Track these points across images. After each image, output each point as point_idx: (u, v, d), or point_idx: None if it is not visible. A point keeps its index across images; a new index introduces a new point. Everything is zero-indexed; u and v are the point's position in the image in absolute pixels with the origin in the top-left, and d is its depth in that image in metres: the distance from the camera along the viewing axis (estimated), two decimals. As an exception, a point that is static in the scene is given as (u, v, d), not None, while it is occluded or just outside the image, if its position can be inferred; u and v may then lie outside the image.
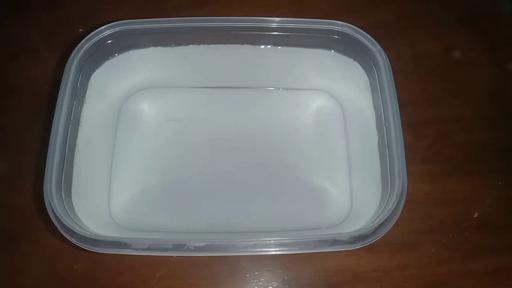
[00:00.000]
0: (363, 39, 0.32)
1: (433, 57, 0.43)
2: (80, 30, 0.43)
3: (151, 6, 0.46)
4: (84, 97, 0.33)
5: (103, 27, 0.33)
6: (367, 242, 0.28)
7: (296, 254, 0.35)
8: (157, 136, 0.38)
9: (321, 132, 0.38)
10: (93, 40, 0.32)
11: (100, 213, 0.35)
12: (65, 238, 0.28)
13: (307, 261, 0.36)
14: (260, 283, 0.35)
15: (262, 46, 0.35)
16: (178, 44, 0.35)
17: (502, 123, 0.41)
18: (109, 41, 0.33)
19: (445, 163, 0.39)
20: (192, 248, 0.27)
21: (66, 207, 0.29)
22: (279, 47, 0.35)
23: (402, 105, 0.31)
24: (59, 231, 0.28)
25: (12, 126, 0.40)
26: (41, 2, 0.45)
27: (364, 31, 0.33)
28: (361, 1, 0.46)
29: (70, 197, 0.30)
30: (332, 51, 0.35)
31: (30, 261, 0.36)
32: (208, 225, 0.35)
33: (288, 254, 0.35)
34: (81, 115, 0.33)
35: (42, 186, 0.29)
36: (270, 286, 0.35)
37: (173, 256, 0.35)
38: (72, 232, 0.28)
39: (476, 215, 0.37)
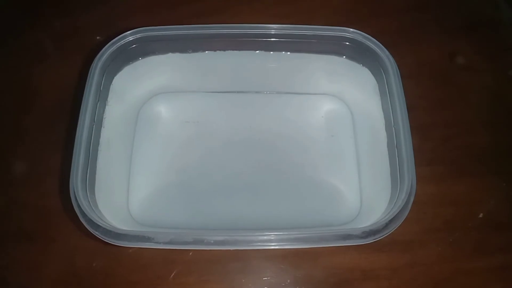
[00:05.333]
0: (373, 45, 0.34)
1: (436, 64, 0.45)
2: (98, 37, 0.45)
3: (164, 16, 0.47)
4: (107, 99, 0.35)
5: (127, 32, 0.34)
6: (378, 237, 0.29)
7: (307, 252, 0.37)
8: (173, 137, 0.40)
9: (332, 134, 0.40)
10: (116, 45, 0.34)
11: (119, 210, 0.36)
12: (87, 234, 0.29)
13: (318, 259, 0.37)
14: (272, 280, 0.36)
15: (275, 52, 0.37)
16: (195, 50, 0.37)
17: (504, 127, 0.42)
18: (131, 47, 0.35)
19: (450, 165, 0.40)
20: (212, 241, 0.28)
21: (90, 203, 0.30)
22: (292, 53, 0.37)
23: (408, 109, 0.32)
24: (80, 228, 0.29)
25: (34, 128, 0.41)
26: (56, 12, 0.47)
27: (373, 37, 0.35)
28: (366, 10, 0.48)
29: (94, 194, 0.31)
30: (344, 57, 0.37)
31: (50, 259, 0.37)
32: (223, 222, 0.37)
33: (299, 252, 0.37)
34: (104, 116, 0.34)
35: (66, 185, 0.30)
36: (283, 283, 0.36)
37: (189, 253, 0.36)
38: (97, 226, 0.29)
39: (481, 215, 0.38)
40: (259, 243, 0.29)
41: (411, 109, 0.33)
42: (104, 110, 0.34)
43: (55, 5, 0.48)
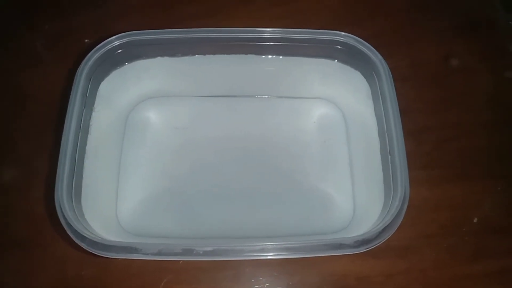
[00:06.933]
0: (365, 49, 0.33)
1: (431, 66, 0.44)
2: (87, 40, 0.44)
3: (155, 18, 0.47)
4: (93, 106, 0.34)
5: (112, 37, 0.33)
6: (371, 246, 0.29)
7: (300, 259, 0.36)
8: (163, 143, 0.39)
9: (324, 139, 0.39)
10: (102, 50, 0.33)
11: (108, 220, 0.35)
12: (74, 244, 0.28)
13: (311, 266, 0.36)
14: (265, 288, 0.36)
15: (267, 56, 0.36)
16: (184, 54, 0.36)
17: (499, 129, 0.41)
18: (117, 51, 0.34)
19: (444, 169, 0.40)
20: (201, 252, 0.28)
21: (76, 213, 0.29)
22: (284, 57, 0.36)
23: (402, 112, 0.32)
24: (68, 237, 0.28)
25: (21, 134, 0.41)
26: (46, 15, 0.46)
27: (365, 41, 0.34)
28: (361, 12, 0.47)
29: (80, 204, 0.31)
30: (336, 61, 0.36)
31: (39, 268, 0.36)
32: (214, 230, 0.36)
33: (293, 260, 0.36)
34: (90, 123, 0.33)
35: (52, 193, 0.29)
36: (275, 291, 0.35)
37: (179, 261, 0.36)
38: (83, 237, 0.28)
39: (476, 219, 0.38)
40: (250, 254, 0.28)
41: (406, 111, 0.33)
42: (90, 117, 0.33)
43: (50, 8, 0.47)
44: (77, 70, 0.33)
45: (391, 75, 0.33)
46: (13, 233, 0.37)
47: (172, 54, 0.36)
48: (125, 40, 0.34)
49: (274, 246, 0.28)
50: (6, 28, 0.45)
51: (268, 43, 0.35)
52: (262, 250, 0.28)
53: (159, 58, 0.36)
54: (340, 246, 0.28)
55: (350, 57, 0.35)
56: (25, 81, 0.43)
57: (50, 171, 0.38)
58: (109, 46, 0.33)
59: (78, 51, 0.43)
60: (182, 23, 0.45)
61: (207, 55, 0.36)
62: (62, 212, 0.29)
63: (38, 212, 0.37)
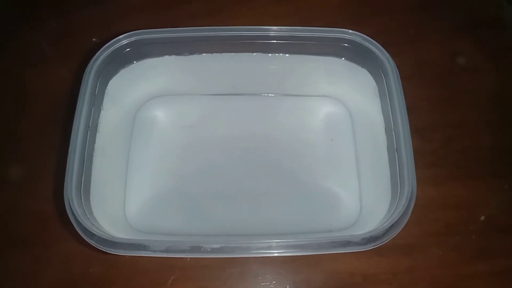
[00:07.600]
0: (372, 47, 0.33)
1: (437, 64, 0.44)
2: (94, 39, 0.44)
3: (161, 17, 0.47)
4: (102, 104, 0.34)
5: (121, 36, 0.34)
6: (378, 244, 0.29)
7: (307, 257, 0.36)
8: (170, 141, 0.39)
9: (331, 137, 0.39)
10: (111, 48, 0.33)
11: (116, 217, 0.35)
12: (82, 241, 0.29)
13: (317, 264, 0.36)
14: (271, 286, 0.36)
15: (273, 54, 0.36)
16: (191, 52, 0.36)
17: (506, 128, 0.41)
18: (126, 50, 0.34)
19: (451, 167, 0.40)
20: (209, 249, 0.28)
21: (85, 210, 0.30)
22: (290, 55, 0.36)
23: (408, 110, 0.32)
24: (75, 234, 0.29)
25: (28, 132, 0.41)
26: (46, 15, 0.47)
27: (372, 39, 0.34)
28: (366, 10, 0.47)
29: (89, 201, 0.31)
30: (343, 58, 0.36)
31: (45, 265, 0.36)
32: (221, 228, 0.36)
33: (299, 257, 0.36)
34: (99, 121, 0.33)
35: (60, 190, 0.29)
36: (282, 288, 0.36)
37: (187, 259, 0.36)
38: (91, 234, 0.28)
39: (482, 218, 0.38)
40: (257, 251, 0.28)
41: (412, 110, 0.33)
42: (99, 115, 0.34)
43: (51, 6, 0.47)
44: (86, 69, 0.33)
45: (398, 73, 0.33)
46: (19, 231, 0.38)
47: (179, 53, 0.36)
48: (133, 38, 0.34)
49: (282, 243, 0.28)
50: (6, 28, 0.46)
51: (275, 41, 0.35)
52: (270, 248, 0.28)
53: (166, 56, 0.36)
54: (347, 243, 0.28)
55: (357, 55, 0.35)
56: (32, 80, 0.43)
57: (56, 169, 0.39)
58: (117, 45, 0.33)
59: (85, 49, 0.43)
60: (184, 21, 0.45)
61: (214, 54, 0.36)
62: (71, 208, 0.29)
63: (44, 210, 0.37)
